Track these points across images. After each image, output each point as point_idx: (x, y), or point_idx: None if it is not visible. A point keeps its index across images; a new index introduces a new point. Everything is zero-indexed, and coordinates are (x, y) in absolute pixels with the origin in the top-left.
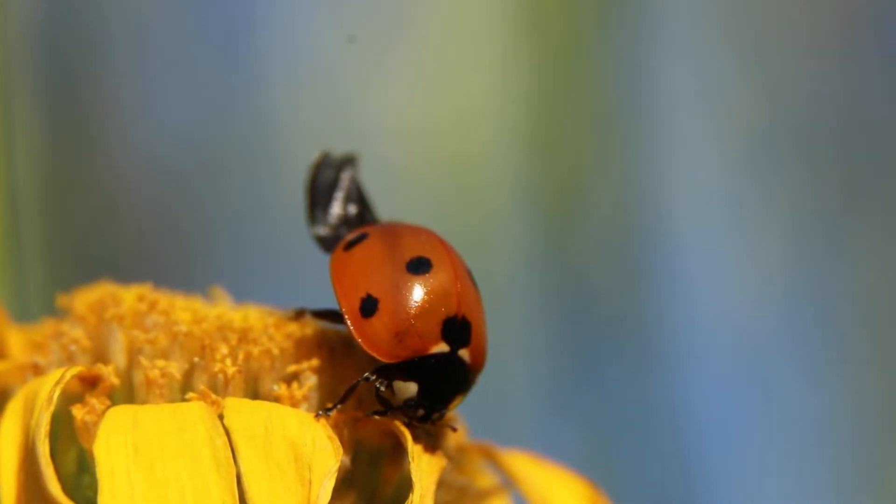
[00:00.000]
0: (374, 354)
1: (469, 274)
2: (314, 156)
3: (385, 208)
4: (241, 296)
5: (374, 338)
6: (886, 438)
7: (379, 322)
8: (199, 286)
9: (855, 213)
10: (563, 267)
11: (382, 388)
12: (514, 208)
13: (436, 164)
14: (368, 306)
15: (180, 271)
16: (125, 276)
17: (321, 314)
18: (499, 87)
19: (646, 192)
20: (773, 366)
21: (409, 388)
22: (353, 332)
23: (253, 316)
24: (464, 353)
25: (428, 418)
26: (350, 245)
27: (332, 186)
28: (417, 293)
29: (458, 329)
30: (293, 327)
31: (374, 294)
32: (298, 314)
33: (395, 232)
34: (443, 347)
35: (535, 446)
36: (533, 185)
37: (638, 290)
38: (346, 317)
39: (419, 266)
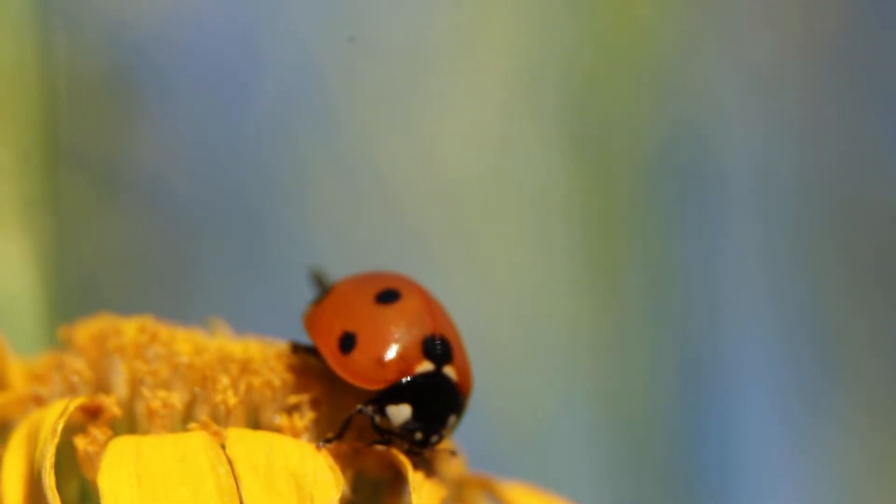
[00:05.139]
0: (362, 385)
1: (442, 306)
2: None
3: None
4: (241, 328)
5: (358, 369)
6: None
7: (359, 354)
8: (199, 319)
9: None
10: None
11: (377, 418)
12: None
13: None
14: (346, 342)
15: (180, 304)
16: (125, 308)
17: (311, 350)
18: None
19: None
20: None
21: (403, 411)
22: (337, 369)
23: (254, 347)
24: (449, 371)
25: (427, 441)
26: (319, 299)
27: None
28: (392, 319)
29: (438, 347)
30: (294, 359)
31: (350, 330)
32: (296, 347)
33: (360, 277)
34: (427, 366)
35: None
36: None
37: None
38: (327, 358)
39: (388, 297)
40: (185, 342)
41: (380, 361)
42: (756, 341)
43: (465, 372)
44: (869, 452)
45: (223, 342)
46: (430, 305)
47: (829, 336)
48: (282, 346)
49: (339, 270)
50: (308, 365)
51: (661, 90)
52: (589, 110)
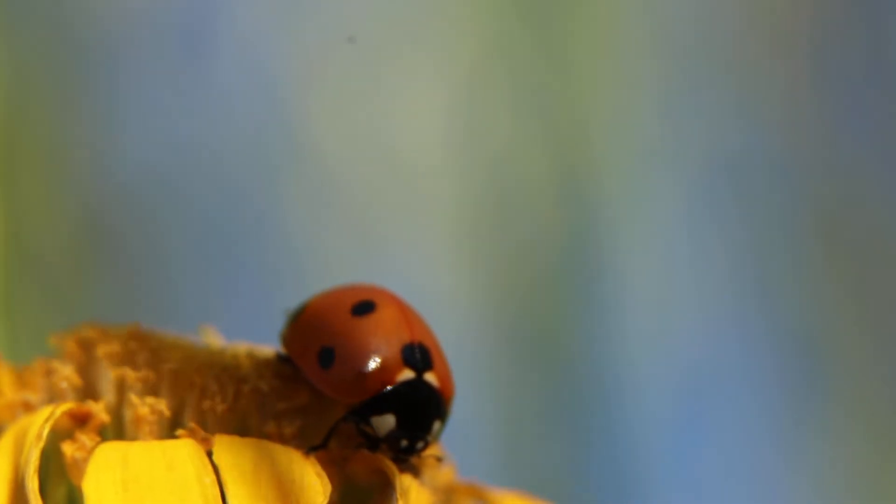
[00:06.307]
0: (345, 399)
1: (418, 314)
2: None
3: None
4: (231, 335)
5: (339, 383)
6: (847, 464)
7: (339, 367)
8: (189, 325)
9: (810, 245)
10: (513, 301)
11: (362, 426)
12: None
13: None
14: (325, 357)
15: (170, 310)
16: (114, 315)
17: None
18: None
19: (599, 221)
20: (724, 399)
21: (387, 421)
22: (318, 385)
23: (243, 354)
24: (430, 378)
25: (413, 449)
26: (295, 317)
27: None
28: (369, 330)
29: (417, 354)
30: (283, 366)
31: (328, 345)
32: (281, 358)
33: (333, 291)
34: (408, 374)
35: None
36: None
37: (589, 325)
38: (308, 374)
39: (363, 309)
40: (174, 349)
41: (360, 373)
42: (738, 348)
43: (446, 377)
44: (853, 458)
45: (212, 349)
46: (406, 314)
47: (814, 343)
48: (271, 353)
49: (310, 267)
50: (297, 372)
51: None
52: (542, 98)
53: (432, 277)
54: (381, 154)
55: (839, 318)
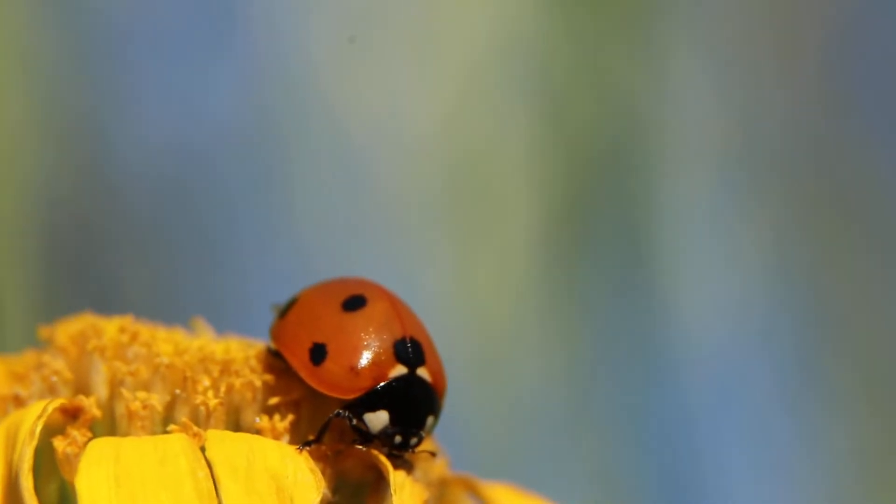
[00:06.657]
0: (338, 395)
1: (409, 307)
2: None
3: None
4: (222, 327)
5: (332, 380)
6: (867, 460)
7: (331, 364)
8: (181, 318)
9: (834, 235)
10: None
11: (355, 422)
12: (518, 214)
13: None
14: (317, 353)
15: (161, 302)
16: (106, 307)
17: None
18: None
19: (603, 217)
20: (752, 386)
21: (381, 418)
22: (310, 381)
23: (235, 348)
24: (423, 373)
25: (407, 444)
26: (284, 311)
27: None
28: (361, 326)
29: (409, 349)
30: (275, 360)
31: (320, 340)
32: (271, 352)
33: (323, 285)
34: (401, 369)
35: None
36: (538, 184)
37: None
38: (299, 370)
39: (355, 303)
40: (166, 342)
41: (353, 370)
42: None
43: (438, 372)
44: (859, 437)
45: (204, 342)
46: (398, 308)
47: (818, 325)
48: (262, 346)
49: (305, 259)
50: (289, 366)
51: (623, 67)
52: (554, 83)
53: (432, 274)
54: (387, 147)
55: (852, 307)
